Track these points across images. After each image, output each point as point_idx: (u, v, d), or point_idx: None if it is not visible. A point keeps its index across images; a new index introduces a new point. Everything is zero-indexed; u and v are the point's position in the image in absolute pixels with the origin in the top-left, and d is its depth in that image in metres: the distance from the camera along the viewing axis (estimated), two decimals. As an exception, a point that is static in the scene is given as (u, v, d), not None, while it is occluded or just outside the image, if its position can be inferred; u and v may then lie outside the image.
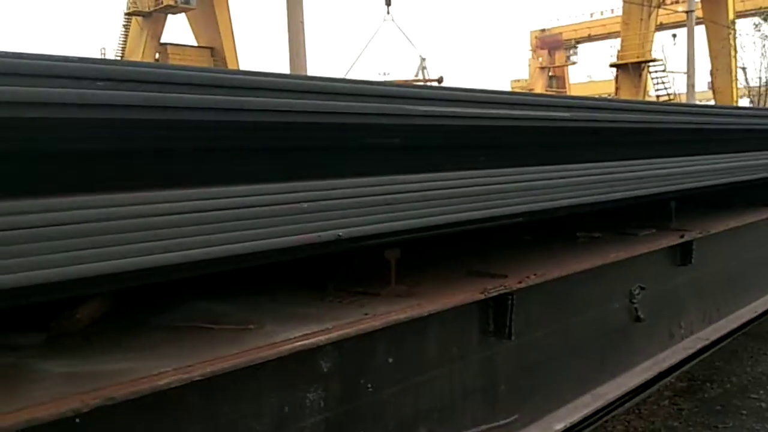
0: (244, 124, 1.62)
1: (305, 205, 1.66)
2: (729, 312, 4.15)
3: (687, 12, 19.58)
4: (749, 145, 4.50)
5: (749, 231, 4.35)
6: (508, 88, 66.97)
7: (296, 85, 1.78)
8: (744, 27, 31.58)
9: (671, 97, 30.85)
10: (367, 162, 1.86)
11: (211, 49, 35.89)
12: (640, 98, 30.40)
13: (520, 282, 2.49)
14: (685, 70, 25.83)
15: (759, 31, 30.44)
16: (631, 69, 30.23)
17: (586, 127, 2.75)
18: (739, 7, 33.21)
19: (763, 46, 30.59)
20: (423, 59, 49.55)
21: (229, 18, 36.32)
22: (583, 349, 3.04)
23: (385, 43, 28.56)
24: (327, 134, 1.75)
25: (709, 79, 34.51)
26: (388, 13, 26.64)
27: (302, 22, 10.65)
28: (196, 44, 36.87)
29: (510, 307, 2.48)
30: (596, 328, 3.11)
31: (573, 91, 63.81)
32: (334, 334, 1.87)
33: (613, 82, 33.59)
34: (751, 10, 33.42)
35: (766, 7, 32.68)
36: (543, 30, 57.19)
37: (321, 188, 1.70)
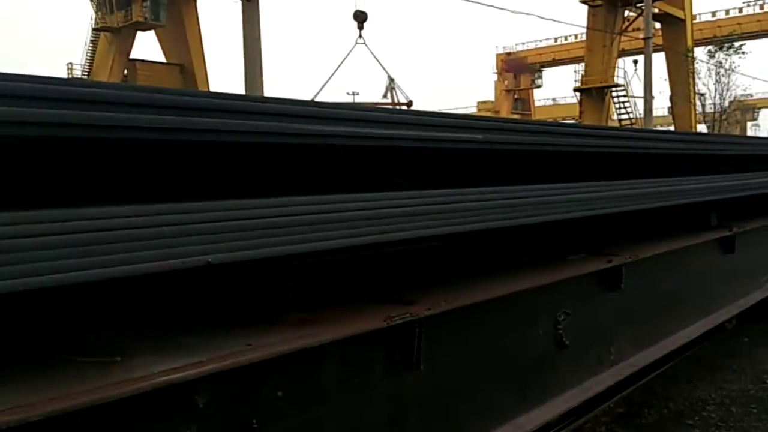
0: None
1: (165, 228, 1.54)
2: (661, 338, 4.11)
3: (645, 39, 19.94)
4: (682, 170, 4.51)
5: (681, 255, 4.33)
6: (474, 110, 67.72)
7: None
8: (701, 54, 32.48)
9: (633, 121, 31.55)
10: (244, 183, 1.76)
11: (181, 66, 35.50)
12: (603, 122, 31.15)
13: (429, 309, 2.40)
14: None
15: (713, 58, 31.33)
16: (595, 94, 30.95)
17: (500, 150, 2.68)
18: (697, 35, 34.21)
19: (718, 73, 31.46)
20: (391, 80, 49.93)
21: (200, 35, 36.04)
22: (503, 377, 2.95)
23: (357, 65, 28.53)
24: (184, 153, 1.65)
25: (669, 105, 35.45)
26: (360, 36, 26.77)
27: (258, 39, 10.56)
28: (165, 61, 36.46)
29: (417, 336, 2.38)
30: (517, 356, 3.03)
31: (538, 114, 64.85)
32: (208, 367, 1.75)
33: (578, 106, 34.22)
34: (709, 38, 34.39)
35: (721, 36, 33.66)
36: (509, 53, 58.06)
37: (185, 210, 1.58)
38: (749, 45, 41.66)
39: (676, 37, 31.66)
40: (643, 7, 29.01)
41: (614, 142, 3.97)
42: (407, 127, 2.21)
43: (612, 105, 32.77)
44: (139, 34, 36.07)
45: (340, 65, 28.56)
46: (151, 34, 36.24)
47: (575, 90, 33.62)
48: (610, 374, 3.58)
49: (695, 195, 4.44)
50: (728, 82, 31.64)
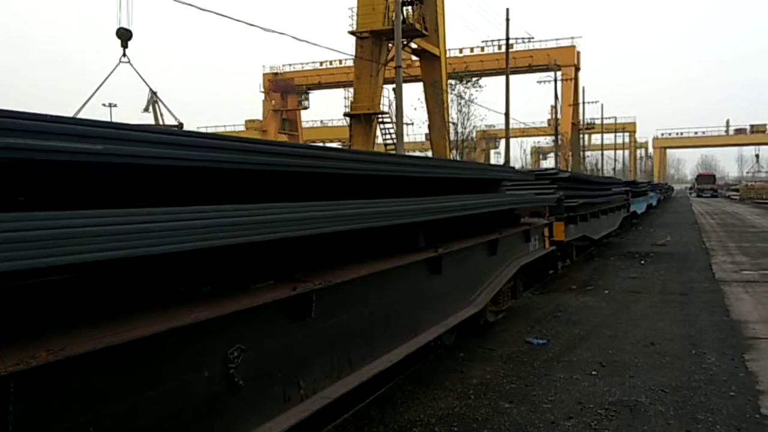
0: None
1: None
2: (362, 364, 3.97)
3: (396, 68, 21.03)
4: (390, 192, 4.50)
5: (385, 278, 4.26)
6: (243, 128, 66.89)
7: None
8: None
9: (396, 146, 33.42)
10: None
11: None
12: (371, 145, 32.76)
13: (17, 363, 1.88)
14: (409, 122, 28.81)
15: (453, 90, 34.45)
16: (363, 119, 32.47)
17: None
18: (448, 69, 37.52)
19: (459, 104, 34.66)
20: (154, 93, 47.72)
21: None
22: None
23: (123, 80, 27.31)
24: None
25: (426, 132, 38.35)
26: (124, 54, 25.23)
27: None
28: None
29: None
30: (174, 406, 2.59)
31: (306, 135, 66.02)
32: None
33: (346, 128, 35.37)
34: (458, 71, 37.76)
35: (461, 71, 37.23)
36: (276, 73, 58.36)
37: None
38: (491, 81, 46.73)
39: (432, 71, 34.72)
40: (404, 42, 31.72)
41: (308, 162, 3.78)
42: None
43: (378, 130, 34.54)
44: None
45: (102, 84, 27.57)
46: None
47: (345, 115, 34.93)
48: (298, 410, 3.31)
49: (402, 216, 4.42)
50: (468, 113, 35.05)
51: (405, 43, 32.40)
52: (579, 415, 4.96)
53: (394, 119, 34.24)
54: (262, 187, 3.45)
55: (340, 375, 3.78)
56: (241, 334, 2.95)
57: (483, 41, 47.71)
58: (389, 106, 33.56)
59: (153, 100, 50.94)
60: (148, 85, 30.40)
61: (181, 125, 33.80)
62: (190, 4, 15.53)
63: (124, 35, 24.80)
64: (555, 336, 7.47)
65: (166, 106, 37.63)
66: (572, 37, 61.84)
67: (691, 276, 12.24)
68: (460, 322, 5.79)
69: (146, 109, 50.35)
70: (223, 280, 3.17)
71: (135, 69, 26.77)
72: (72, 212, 2.03)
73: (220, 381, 2.82)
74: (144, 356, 2.41)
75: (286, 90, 57.88)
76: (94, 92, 28.24)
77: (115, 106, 50.68)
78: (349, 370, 3.87)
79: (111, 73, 27.61)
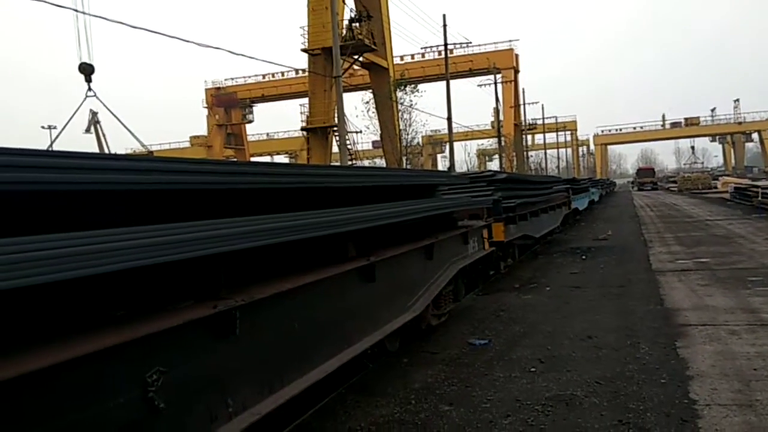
0: None
1: None
2: (294, 378, 3.95)
3: (334, 77, 21.08)
4: (318, 203, 4.50)
5: (314, 290, 4.26)
6: (188, 144, 65.85)
7: None
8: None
9: (352, 156, 33.69)
10: None
11: None
12: (328, 157, 33.34)
13: None
14: (357, 130, 29.89)
15: (392, 99, 34.89)
16: (320, 132, 33.01)
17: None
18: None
19: (399, 111, 35.02)
20: (95, 113, 47.07)
21: None
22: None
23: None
24: None
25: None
26: (89, 89, 25.02)
27: None
28: None
29: None
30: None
31: (252, 149, 65.43)
32: None
33: (292, 140, 35.43)
34: (397, 79, 38.21)
35: (399, 78, 37.72)
36: (218, 88, 57.72)
37: None
38: (434, 86, 47.30)
39: (381, 82, 35.98)
40: (355, 57, 33.00)
41: (233, 179, 3.76)
42: None
43: (334, 141, 34.81)
44: None
45: (71, 118, 28.35)
46: None
47: (302, 129, 35.59)
48: (225, 429, 3.28)
49: (328, 227, 4.44)
50: (410, 119, 35.57)
51: (355, 58, 33.07)
52: (517, 412, 5.05)
53: (350, 128, 34.86)
54: (182, 206, 3.42)
55: (272, 390, 3.76)
56: (160, 356, 2.91)
57: (422, 48, 48.41)
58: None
59: (94, 120, 49.99)
60: (116, 117, 30.42)
61: (150, 153, 34.16)
62: (121, 22, 15.26)
63: (87, 69, 24.49)
64: (496, 335, 7.60)
65: (103, 133, 37.78)
66: (510, 41, 63.04)
67: (629, 268, 12.62)
68: (400, 328, 5.83)
69: (87, 130, 49.36)
70: (141, 302, 3.12)
71: (102, 102, 26.75)
72: None
73: (140, 405, 2.78)
74: (54, 385, 2.35)
75: (229, 104, 57.32)
76: (64, 127, 28.37)
77: (54, 127, 49.53)
78: (281, 385, 3.85)
79: (79, 107, 27.74)
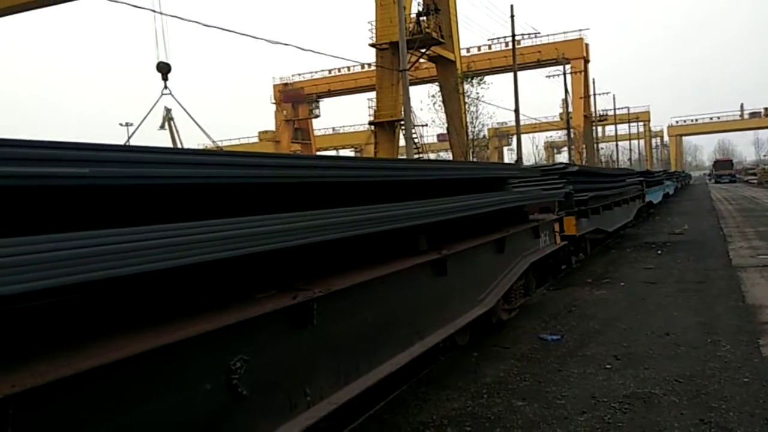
0: None
1: None
2: (368, 369, 4.01)
3: (401, 70, 21.09)
4: (390, 196, 4.53)
5: (387, 283, 4.30)
6: (256, 140, 67.35)
7: None
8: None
9: (419, 150, 33.84)
10: None
11: None
12: (395, 150, 33.48)
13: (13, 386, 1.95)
14: (423, 123, 29.99)
15: (458, 91, 34.54)
16: (387, 126, 33.22)
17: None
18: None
19: (465, 103, 34.62)
20: (169, 110, 48.54)
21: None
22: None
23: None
24: None
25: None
26: (165, 87, 25.90)
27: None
28: None
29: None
30: (176, 420, 2.65)
31: (318, 143, 66.31)
32: None
33: (358, 134, 35.57)
34: (464, 71, 37.81)
35: (467, 71, 37.22)
36: (285, 84, 58.69)
37: None
38: (501, 78, 46.65)
39: (448, 75, 35.82)
40: (422, 51, 32.80)
41: (308, 172, 3.83)
42: None
43: (402, 135, 35.01)
44: None
45: (147, 115, 28.69)
46: None
47: (370, 123, 35.79)
48: (305, 417, 3.35)
49: (400, 220, 4.46)
50: (477, 111, 35.09)
51: (423, 51, 33.06)
52: (592, 409, 4.95)
53: (417, 122, 34.99)
54: (263, 199, 3.51)
55: (347, 381, 3.82)
56: (243, 345, 3.00)
57: (489, 39, 47.76)
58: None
59: (168, 117, 51.67)
60: (189, 115, 31.35)
61: (220, 148, 34.66)
62: (195, 21, 15.74)
63: (164, 68, 25.43)
64: (569, 331, 7.46)
65: (175, 128, 38.70)
66: (580, 30, 61.56)
67: (707, 263, 12.15)
68: (470, 322, 5.81)
69: (162, 126, 51.11)
70: (223, 292, 3.23)
71: (176, 99, 27.47)
72: (85, 233, 2.12)
73: (224, 392, 2.88)
74: (145, 371, 2.47)
75: (296, 100, 58.23)
76: (140, 123, 29.25)
77: (131, 125, 51.61)
78: (355, 376, 3.91)
79: (155, 104, 28.53)
